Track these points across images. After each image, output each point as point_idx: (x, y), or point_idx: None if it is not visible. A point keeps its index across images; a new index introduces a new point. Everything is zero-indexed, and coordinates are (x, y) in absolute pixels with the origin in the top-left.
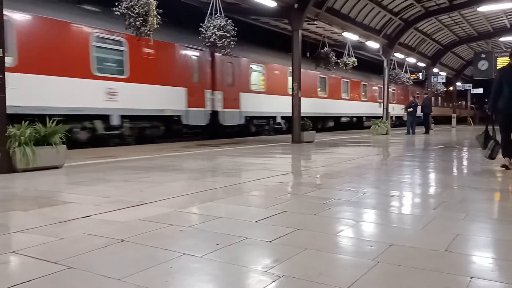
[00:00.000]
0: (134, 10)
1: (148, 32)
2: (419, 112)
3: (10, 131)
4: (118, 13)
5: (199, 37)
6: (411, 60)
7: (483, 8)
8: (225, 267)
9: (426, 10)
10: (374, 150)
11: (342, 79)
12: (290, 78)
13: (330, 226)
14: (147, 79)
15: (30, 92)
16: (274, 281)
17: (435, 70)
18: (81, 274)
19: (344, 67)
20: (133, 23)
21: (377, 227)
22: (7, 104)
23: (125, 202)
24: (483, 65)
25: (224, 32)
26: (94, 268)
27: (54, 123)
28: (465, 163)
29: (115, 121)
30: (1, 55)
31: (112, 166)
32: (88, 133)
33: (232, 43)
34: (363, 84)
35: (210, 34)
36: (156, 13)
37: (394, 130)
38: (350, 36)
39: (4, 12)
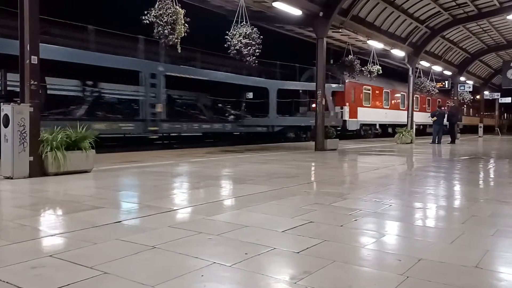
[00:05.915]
0: (162, 19)
1: (176, 40)
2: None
3: (42, 135)
4: (147, 21)
5: (225, 45)
6: (437, 68)
7: None
8: (254, 277)
9: (453, 18)
10: (399, 160)
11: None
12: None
13: (358, 238)
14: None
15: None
16: None
17: (462, 78)
18: (116, 280)
19: (369, 75)
20: (161, 32)
21: (405, 241)
22: None
23: (154, 208)
24: None
25: (249, 40)
26: (128, 274)
27: (84, 129)
28: (492, 175)
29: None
30: (36, 62)
31: (139, 171)
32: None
33: (257, 51)
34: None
35: (236, 42)
36: (183, 22)
37: (418, 139)
38: (375, 44)
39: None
